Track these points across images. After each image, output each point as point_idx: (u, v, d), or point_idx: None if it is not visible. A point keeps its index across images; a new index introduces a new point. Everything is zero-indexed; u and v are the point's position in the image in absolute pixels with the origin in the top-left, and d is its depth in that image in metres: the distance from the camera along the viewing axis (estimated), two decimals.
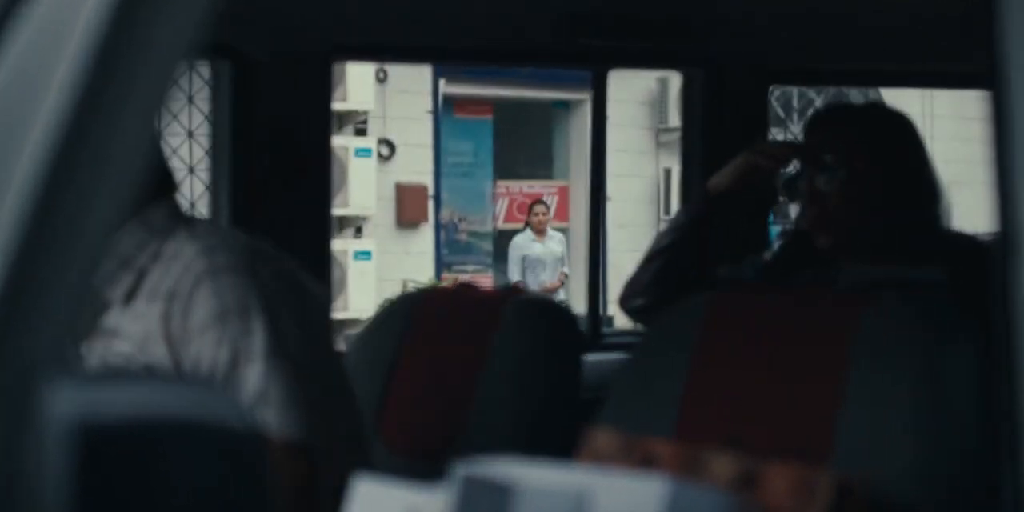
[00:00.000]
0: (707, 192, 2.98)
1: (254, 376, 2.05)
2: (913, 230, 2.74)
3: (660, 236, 3.11)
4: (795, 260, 2.85)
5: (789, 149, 2.90)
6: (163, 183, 2.22)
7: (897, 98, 12.49)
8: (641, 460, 1.69)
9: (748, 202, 3.03)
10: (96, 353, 2.08)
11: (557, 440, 1.91)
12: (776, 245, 3.08)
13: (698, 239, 2.99)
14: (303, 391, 2.08)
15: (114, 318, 2.09)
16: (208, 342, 2.06)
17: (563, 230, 14.21)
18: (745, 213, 3.02)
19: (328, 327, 2.22)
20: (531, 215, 12.29)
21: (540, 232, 12.26)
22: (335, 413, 2.13)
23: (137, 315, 2.10)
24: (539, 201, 12.69)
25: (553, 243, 12.40)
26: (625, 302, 3.12)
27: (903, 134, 2.83)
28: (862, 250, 2.72)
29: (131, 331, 2.10)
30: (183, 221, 2.18)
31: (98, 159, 1.02)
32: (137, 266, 2.13)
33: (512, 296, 2.56)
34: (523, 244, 12.32)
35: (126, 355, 2.09)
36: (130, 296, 2.11)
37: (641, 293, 3.05)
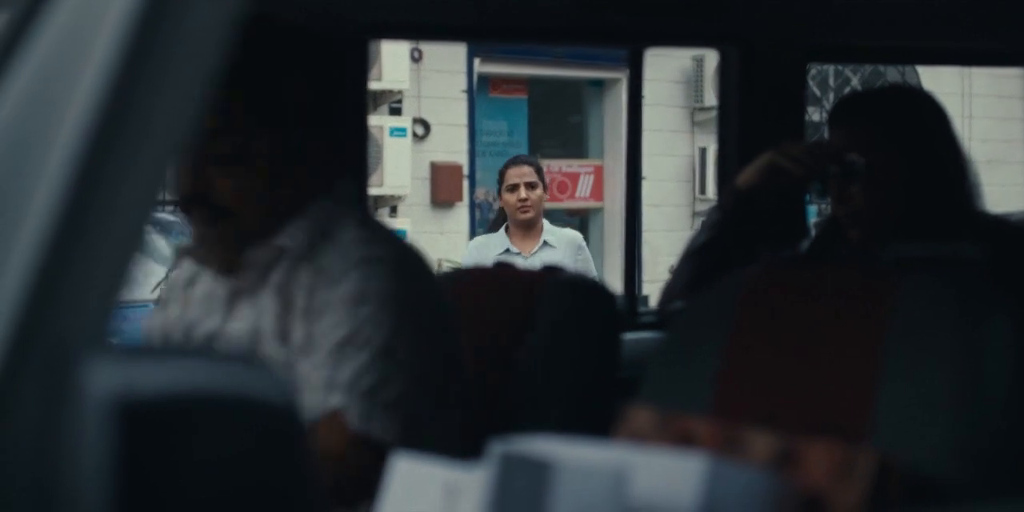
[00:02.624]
0: (737, 189, 2.98)
1: (357, 364, 2.10)
2: (942, 212, 2.73)
3: (694, 236, 3.12)
4: (832, 247, 2.84)
5: (814, 154, 2.87)
6: (337, 167, 2.31)
7: (935, 76, 12.44)
8: (679, 438, 1.69)
9: (780, 191, 3.01)
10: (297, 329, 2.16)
11: (595, 418, 1.91)
12: (813, 232, 3.07)
13: (733, 236, 3.00)
14: (402, 395, 2.12)
15: (298, 281, 2.18)
16: (332, 319, 2.12)
17: (598, 210, 14.16)
18: (779, 200, 3.01)
19: (454, 342, 2.25)
20: (505, 191, 5.87)
21: (525, 228, 5.87)
22: (427, 425, 2.15)
23: (302, 284, 2.18)
24: (521, 160, 6.09)
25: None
26: (664, 305, 3.13)
27: (925, 116, 2.81)
28: (894, 236, 2.71)
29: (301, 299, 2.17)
30: (352, 206, 2.27)
31: (135, 141, 1.02)
32: (332, 239, 2.20)
33: (550, 275, 2.56)
34: (481, 257, 5.66)
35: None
36: (308, 266, 2.19)
37: (680, 295, 3.06)
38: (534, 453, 1.29)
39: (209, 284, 2.32)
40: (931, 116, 2.82)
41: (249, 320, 2.22)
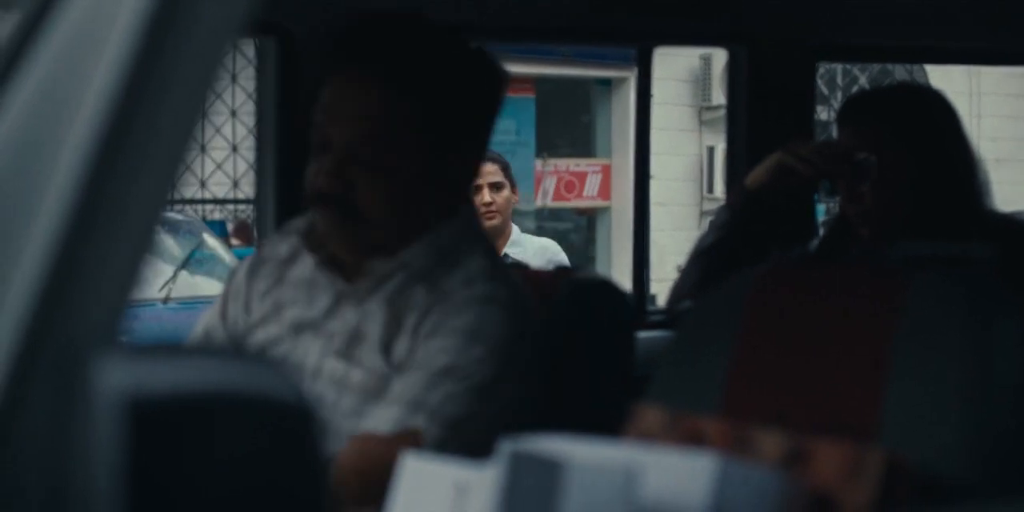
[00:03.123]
0: (746, 189, 2.99)
1: (450, 392, 2.11)
2: (952, 211, 2.73)
3: (703, 236, 3.12)
4: (841, 245, 2.84)
5: (824, 153, 2.87)
6: (468, 190, 2.35)
7: (943, 75, 12.43)
8: (688, 438, 1.69)
9: (789, 191, 3.01)
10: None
11: (607, 418, 1.91)
12: (822, 231, 3.07)
13: (742, 236, 3.00)
14: (484, 432, 2.13)
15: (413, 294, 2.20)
16: (440, 345, 2.13)
17: (606, 209, 14.15)
18: (788, 199, 3.01)
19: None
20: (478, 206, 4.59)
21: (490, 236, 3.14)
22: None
23: (414, 303, 2.19)
24: (492, 159, 4.91)
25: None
26: (673, 305, 3.13)
27: (934, 114, 2.81)
28: (903, 235, 2.71)
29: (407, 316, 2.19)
30: (478, 233, 2.31)
31: (145, 141, 1.02)
32: (449, 262, 2.22)
33: (565, 276, 2.56)
34: None
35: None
36: (423, 285, 2.20)
37: (688, 294, 3.07)
38: (544, 452, 1.29)
39: (309, 269, 2.31)
40: (940, 114, 2.81)
41: (351, 322, 2.22)
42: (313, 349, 2.24)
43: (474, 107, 2.26)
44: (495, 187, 4.89)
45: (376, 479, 2.00)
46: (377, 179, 2.18)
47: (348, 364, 2.19)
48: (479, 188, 4.82)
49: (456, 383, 2.11)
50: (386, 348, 2.17)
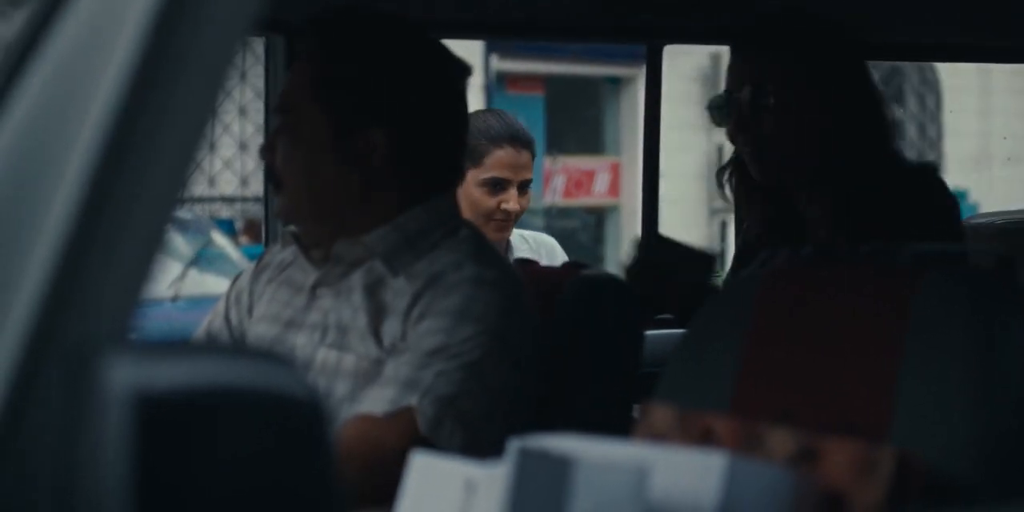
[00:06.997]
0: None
1: (442, 370, 2.12)
2: (864, 155, 2.62)
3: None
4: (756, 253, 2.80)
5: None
6: (453, 175, 2.36)
7: (953, 72, 12.42)
8: (698, 436, 1.69)
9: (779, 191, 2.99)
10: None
11: (616, 416, 1.91)
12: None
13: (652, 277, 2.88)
14: (476, 411, 2.15)
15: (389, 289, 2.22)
16: (431, 326, 2.15)
17: (615, 207, 14.15)
18: (781, 200, 2.99)
19: (534, 369, 2.28)
20: (479, 185, 3.48)
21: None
22: (489, 445, 2.16)
23: (397, 289, 2.21)
24: (519, 137, 3.65)
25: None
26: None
27: (837, 47, 2.70)
28: (811, 185, 2.64)
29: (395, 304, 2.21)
30: (456, 220, 2.32)
31: (155, 140, 1.02)
32: (420, 247, 2.24)
33: (573, 273, 2.56)
34: None
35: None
36: (400, 271, 2.23)
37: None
38: (554, 450, 1.29)
39: (299, 272, 2.36)
40: (844, 47, 2.70)
41: (335, 314, 2.25)
42: (301, 341, 2.26)
43: (412, 90, 2.25)
44: (524, 188, 3.56)
45: (374, 459, 2.01)
46: (286, 144, 2.25)
47: (340, 352, 2.22)
48: (506, 185, 3.51)
49: (447, 361, 2.13)
50: (375, 334, 2.19)
